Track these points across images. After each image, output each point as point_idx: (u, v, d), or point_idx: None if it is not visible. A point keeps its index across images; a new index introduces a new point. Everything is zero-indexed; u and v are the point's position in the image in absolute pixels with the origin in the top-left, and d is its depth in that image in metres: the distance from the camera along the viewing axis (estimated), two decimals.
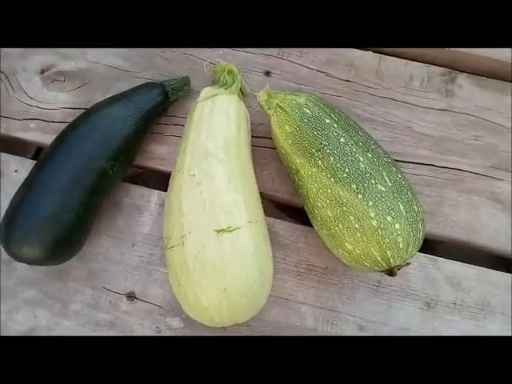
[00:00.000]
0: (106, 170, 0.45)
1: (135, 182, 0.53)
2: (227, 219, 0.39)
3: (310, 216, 0.45)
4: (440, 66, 0.56)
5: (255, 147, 0.53)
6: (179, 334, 0.48)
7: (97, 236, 0.51)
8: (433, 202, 0.52)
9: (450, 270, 0.50)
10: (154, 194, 0.52)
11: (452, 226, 0.51)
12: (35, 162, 0.53)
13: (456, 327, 0.48)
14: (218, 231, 0.38)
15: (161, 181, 0.53)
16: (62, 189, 0.42)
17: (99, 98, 0.54)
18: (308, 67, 0.56)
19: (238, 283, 0.38)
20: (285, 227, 0.51)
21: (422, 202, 0.51)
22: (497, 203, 0.51)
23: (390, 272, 0.41)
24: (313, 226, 0.51)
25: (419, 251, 0.43)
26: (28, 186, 0.43)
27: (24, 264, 0.48)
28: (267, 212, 0.50)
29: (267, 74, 0.56)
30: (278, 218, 0.52)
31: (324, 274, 0.50)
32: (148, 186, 0.53)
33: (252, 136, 0.52)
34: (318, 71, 0.56)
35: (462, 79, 0.56)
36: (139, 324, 0.48)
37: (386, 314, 0.49)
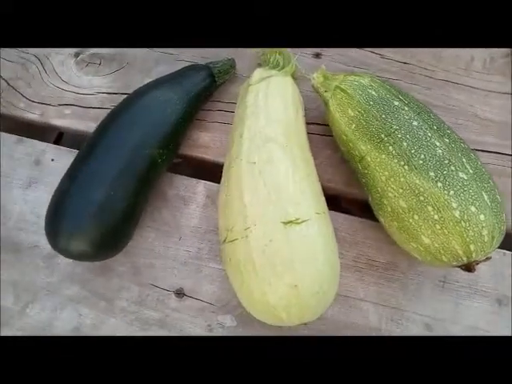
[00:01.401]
0: (155, 158, 0.42)
1: (177, 172, 0.50)
2: (295, 210, 0.36)
3: (375, 207, 0.42)
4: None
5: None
6: (232, 333, 0.45)
7: (141, 229, 0.48)
8: (500, 191, 0.48)
9: None
10: (200, 185, 0.49)
11: None
12: (70, 149, 0.50)
13: None
14: (285, 223, 0.35)
15: (205, 170, 0.50)
16: (112, 178, 0.39)
17: (138, 82, 0.51)
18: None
19: (309, 280, 0.35)
20: (341, 219, 0.48)
21: None
22: None
23: (469, 267, 0.38)
24: (372, 219, 0.48)
25: None
26: (74, 177, 0.40)
27: (67, 259, 0.46)
28: None
29: (317, 55, 0.52)
30: (333, 210, 0.48)
31: (386, 269, 0.47)
32: (191, 176, 0.50)
33: None
34: (373, 53, 0.52)
35: None
36: (190, 322, 0.45)
37: (453, 312, 0.45)
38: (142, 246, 0.47)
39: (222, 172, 0.43)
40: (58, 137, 0.62)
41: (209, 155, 0.50)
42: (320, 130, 0.50)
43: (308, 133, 0.49)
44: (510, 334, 0.44)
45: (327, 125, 0.50)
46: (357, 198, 0.50)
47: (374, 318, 0.45)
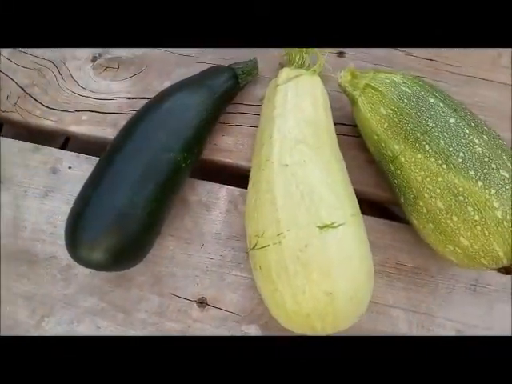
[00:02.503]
0: (179, 163, 0.40)
1: (199, 177, 0.48)
2: (330, 214, 0.34)
3: (408, 209, 0.40)
4: None
5: None
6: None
7: (161, 237, 0.46)
8: None
9: None
10: (223, 190, 0.47)
11: None
12: (89, 156, 0.49)
13: None
14: (321, 227, 0.34)
15: (228, 175, 0.48)
16: (134, 184, 0.38)
17: (157, 86, 0.49)
18: None
19: (345, 286, 0.33)
20: (369, 223, 0.46)
21: None
22: None
23: (508, 269, 0.36)
24: (400, 221, 0.46)
25: None
26: (95, 184, 0.38)
27: (84, 270, 0.45)
28: None
29: (340, 54, 0.51)
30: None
31: (415, 273, 0.45)
32: (213, 181, 0.48)
33: None
34: (397, 50, 0.51)
35: None
36: (213, 333, 0.43)
37: (487, 317, 0.44)
38: (162, 254, 0.46)
39: (244, 176, 0.42)
40: (65, 142, 0.61)
41: (231, 159, 0.48)
42: (345, 130, 0.48)
43: None
44: None
45: (352, 125, 0.48)
46: (380, 201, 0.48)
47: (404, 325, 0.43)
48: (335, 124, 0.48)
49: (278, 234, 0.34)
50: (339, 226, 0.34)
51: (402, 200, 0.40)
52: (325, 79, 0.47)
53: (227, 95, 0.45)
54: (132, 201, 0.37)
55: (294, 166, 0.36)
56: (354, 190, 0.47)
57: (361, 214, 0.38)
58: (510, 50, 0.50)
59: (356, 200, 0.39)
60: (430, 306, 0.44)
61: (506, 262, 0.36)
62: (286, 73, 0.43)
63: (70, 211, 0.38)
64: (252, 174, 0.40)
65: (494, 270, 0.37)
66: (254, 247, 0.37)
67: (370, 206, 0.49)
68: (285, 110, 0.39)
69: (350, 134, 0.49)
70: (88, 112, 0.50)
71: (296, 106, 0.39)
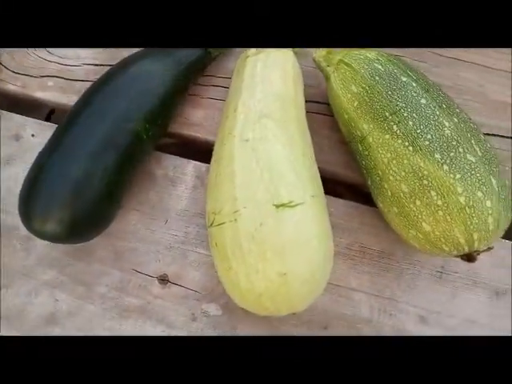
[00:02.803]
0: (140, 134, 0.38)
1: (167, 151, 0.47)
2: (289, 192, 0.33)
3: (375, 192, 0.39)
4: None
5: None
6: (216, 322, 0.42)
7: (125, 211, 0.45)
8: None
9: None
10: (190, 165, 0.46)
11: None
12: (55, 124, 0.47)
13: None
14: (277, 206, 0.32)
15: (197, 150, 0.47)
16: (91, 153, 0.36)
17: (126, 54, 0.47)
18: None
19: (301, 268, 0.33)
20: (336, 204, 0.45)
21: None
22: None
23: (470, 257, 0.36)
24: (368, 204, 0.45)
25: None
26: (50, 151, 0.37)
27: (44, 242, 0.43)
28: None
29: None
30: (327, 194, 0.45)
31: (380, 257, 0.44)
32: (181, 156, 0.46)
33: None
34: None
35: None
36: (173, 310, 0.43)
37: (450, 305, 0.43)
38: (125, 229, 0.45)
39: (213, 151, 0.40)
40: (49, 114, 0.58)
41: (201, 133, 0.47)
42: (319, 108, 0.47)
43: (306, 111, 0.47)
44: (508, 328, 0.42)
45: (327, 103, 0.47)
46: (352, 182, 0.47)
47: (366, 309, 0.43)
48: (310, 102, 0.47)
49: (234, 212, 0.33)
50: (297, 205, 0.33)
51: (369, 182, 0.39)
52: (303, 54, 0.45)
53: (197, 66, 0.43)
54: (88, 171, 0.36)
55: (255, 141, 0.34)
56: (325, 170, 0.46)
57: (323, 195, 0.37)
58: None
59: (319, 180, 0.37)
60: (394, 291, 0.43)
61: (467, 250, 0.35)
62: None
63: (24, 180, 0.37)
64: (215, 149, 0.39)
65: (457, 256, 0.36)
66: (211, 224, 0.36)
67: (347, 188, 0.48)
68: (252, 83, 0.38)
69: (325, 112, 0.47)
70: (54, 78, 0.48)
71: (264, 78, 0.38)
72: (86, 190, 0.36)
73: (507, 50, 0.48)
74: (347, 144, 0.42)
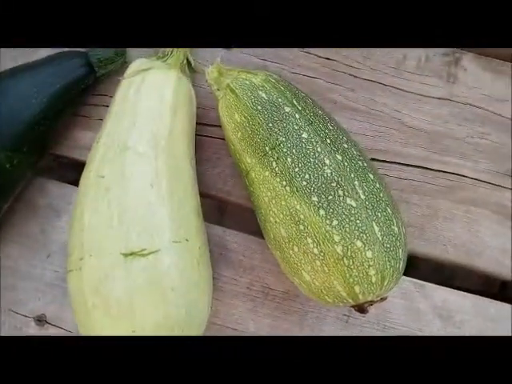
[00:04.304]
0: (1, 164, 0.34)
1: (53, 177, 0.43)
2: (140, 239, 0.29)
3: (263, 231, 0.35)
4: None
5: (206, 138, 0.43)
6: None
7: (4, 245, 0.41)
8: (423, 213, 0.42)
9: (439, 298, 0.40)
10: (76, 193, 0.42)
11: (444, 245, 0.41)
12: None
13: None
14: (126, 255, 0.28)
15: None
16: None
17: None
18: None
19: (152, 325, 0.29)
20: (238, 239, 0.41)
21: (410, 213, 0.41)
22: (504, 218, 0.41)
23: (361, 309, 0.32)
24: None
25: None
26: None
27: None
28: (217, 220, 0.40)
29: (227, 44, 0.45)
30: (229, 228, 0.42)
31: (283, 299, 0.40)
32: (70, 183, 0.42)
33: (201, 124, 0.42)
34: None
35: (468, 61, 0.45)
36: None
37: None
38: (4, 263, 0.41)
39: None
40: None
41: None
42: (222, 134, 0.43)
43: (209, 136, 0.43)
44: None
45: None
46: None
47: None
48: (212, 126, 0.43)
49: (80, 259, 0.29)
50: (150, 253, 0.29)
51: (258, 220, 0.35)
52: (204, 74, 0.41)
53: (78, 85, 0.39)
54: None
55: (111, 179, 0.30)
56: (227, 201, 0.42)
57: (196, 238, 0.33)
58: (416, 53, 0.44)
59: (194, 220, 0.33)
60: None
61: (353, 302, 0.31)
62: (137, 64, 0.37)
63: None
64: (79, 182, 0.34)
65: (347, 307, 0.33)
66: (66, 270, 0.32)
67: (247, 220, 0.44)
68: (120, 110, 0.34)
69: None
70: None
71: (135, 104, 0.34)
72: None
73: (430, 73, 0.44)
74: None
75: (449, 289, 0.40)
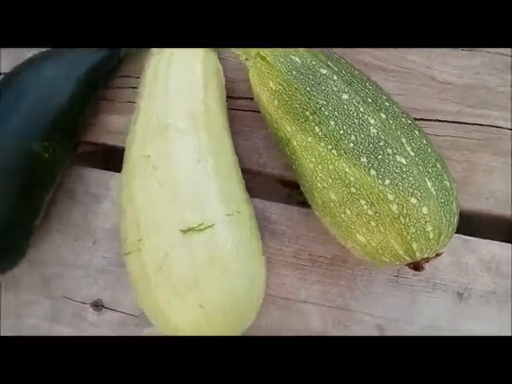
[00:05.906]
0: (39, 154, 0.34)
1: (88, 164, 0.43)
2: (196, 214, 0.29)
3: (308, 199, 0.35)
4: None
5: (235, 111, 0.42)
6: None
7: (49, 235, 0.41)
8: (463, 168, 0.41)
9: (486, 252, 0.40)
10: (113, 178, 0.42)
11: (487, 198, 0.41)
12: None
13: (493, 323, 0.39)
14: (184, 231, 0.29)
15: (119, 160, 0.43)
16: None
17: None
18: None
19: (219, 298, 0.29)
20: (280, 211, 0.41)
21: (451, 169, 0.41)
22: None
23: (417, 266, 0.32)
24: None
25: None
26: None
27: None
28: (256, 193, 0.40)
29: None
30: (269, 200, 0.42)
31: (331, 265, 0.40)
32: (106, 168, 0.43)
33: (230, 97, 0.41)
34: None
35: None
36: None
37: (409, 311, 0.40)
38: (49, 253, 0.41)
39: None
40: None
41: (123, 141, 0.42)
42: (253, 105, 0.42)
43: (239, 109, 0.43)
44: (475, 332, 0.39)
45: None
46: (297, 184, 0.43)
47: (318, 322, 0.40)
48: (241, 98, 0.42)
49: (139, 240, 0.30)
50: (207, 227, 0.29)
51: (302, 188, 0.35)
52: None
53: (102, 68, 0.38)
54: None
55: (156, 157, 0.30)
56: (262, 172, 0.42)
57: (246, 210, 0.33)
58: None
59: (241, 193, 0.33)
60: (347, 300, 0.40)
61: (410, 260, 0.31)
62: None
63: None
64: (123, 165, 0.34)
65: (403, 266, 0.33)
66: (123, 253, 0.32)
67: (285, 190, 0.45)
68: (154, 87, 0.33)
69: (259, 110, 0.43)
70: None
71: (166, 79, 0.33)
72: None
73: None
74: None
75: (495, 241, 0.40)
